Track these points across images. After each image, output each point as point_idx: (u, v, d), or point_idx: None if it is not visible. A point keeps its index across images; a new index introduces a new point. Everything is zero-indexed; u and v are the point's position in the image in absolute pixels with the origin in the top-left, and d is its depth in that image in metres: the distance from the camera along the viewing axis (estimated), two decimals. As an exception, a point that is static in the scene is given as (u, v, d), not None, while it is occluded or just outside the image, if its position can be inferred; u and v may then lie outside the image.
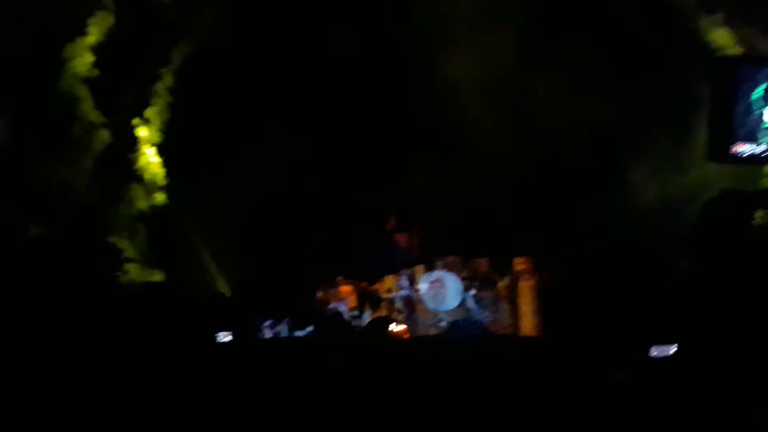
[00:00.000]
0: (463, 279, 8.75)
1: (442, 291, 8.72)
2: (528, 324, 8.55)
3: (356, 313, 8.81)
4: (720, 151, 6.91)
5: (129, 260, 7.90)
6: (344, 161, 9.10)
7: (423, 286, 8.80)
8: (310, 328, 8.56)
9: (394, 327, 8.47)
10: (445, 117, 9.08)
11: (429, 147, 9.14)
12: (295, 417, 6.64)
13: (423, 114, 9.16)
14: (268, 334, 8.48)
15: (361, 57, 8.98)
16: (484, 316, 8.66)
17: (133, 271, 7.86)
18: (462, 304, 8.71)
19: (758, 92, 6.74)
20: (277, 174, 8.84)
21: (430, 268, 8.85)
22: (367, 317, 8.80)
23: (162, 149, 8.82)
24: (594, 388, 6.74)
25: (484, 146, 8.88)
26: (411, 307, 8.81)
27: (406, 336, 8.49)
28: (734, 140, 6.77)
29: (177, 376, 6.85)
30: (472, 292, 8.69)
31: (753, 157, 6.83)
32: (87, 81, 8.28)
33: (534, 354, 7.85)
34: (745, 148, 6.79)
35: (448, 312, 8.71)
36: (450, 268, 8.78)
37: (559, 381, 6.87)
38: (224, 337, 7.92)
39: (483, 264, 8.83)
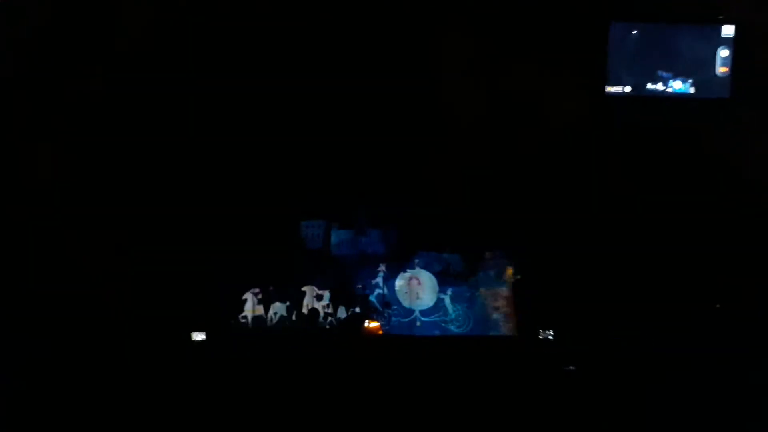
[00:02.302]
0: (439, 275, 8.66)
1: (418, 289, 8.59)
2: (504, 321, 8.57)
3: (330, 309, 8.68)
4: (595, 94, 7.59)
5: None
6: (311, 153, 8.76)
7: (399, 282, 8.65)
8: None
9: (368, 324, 8.48)
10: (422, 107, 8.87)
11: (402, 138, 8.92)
12: (270, 412, 6.67)
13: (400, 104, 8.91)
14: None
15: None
16: (460, 314, 8.63)
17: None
18: (438, 303, 8.62)
19: (627, 37, 7.42)
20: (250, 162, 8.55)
21: (405, 264, 8.67)
22: (342, 314, 8.63)
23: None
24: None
25: (460, 138, 8.74)
26: (386, 305, 8.62)
27: (380, 333, 8.52)
28: (606, 82, 7.51)
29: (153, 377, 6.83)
30: (449, 291, 8.62)
31: (624, 98, 7.53)
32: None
33: (509, 353, 7.98)
34: (616, 90, 7.47)
35: (423, 311, 8.60)
36: (426, 265, 8.67)
37: (533, 379, 7.01)
38: (197, 336, 7.81)
39: (458, 260, 8.74)
